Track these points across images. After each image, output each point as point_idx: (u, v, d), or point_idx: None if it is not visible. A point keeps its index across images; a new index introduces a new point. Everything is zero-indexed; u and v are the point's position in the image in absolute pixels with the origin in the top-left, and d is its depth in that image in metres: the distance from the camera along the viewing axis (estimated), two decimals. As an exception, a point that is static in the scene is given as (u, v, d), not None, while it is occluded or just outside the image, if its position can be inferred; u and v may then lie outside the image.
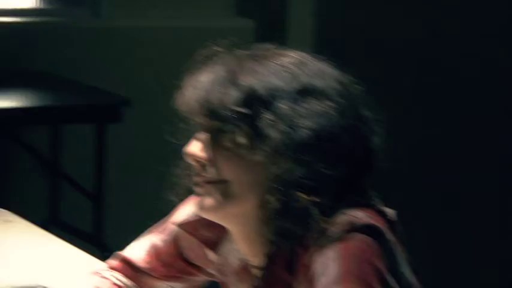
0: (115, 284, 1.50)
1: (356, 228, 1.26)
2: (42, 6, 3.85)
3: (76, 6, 3.90)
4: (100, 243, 3.26)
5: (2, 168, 3.73)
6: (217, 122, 1.31)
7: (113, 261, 1.53)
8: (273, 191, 1.29)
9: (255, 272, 1.37)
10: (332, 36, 3.99)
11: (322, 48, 3.83)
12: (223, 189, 1.32)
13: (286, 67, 1.32)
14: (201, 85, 1.32)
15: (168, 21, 3.87)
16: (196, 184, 1.32)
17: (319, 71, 1.34)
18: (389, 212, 1.33)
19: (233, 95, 1.30)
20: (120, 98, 3.32)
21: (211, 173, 1.32)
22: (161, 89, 2.79)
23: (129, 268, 1.53)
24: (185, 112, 1.34)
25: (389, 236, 1.29)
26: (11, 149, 3.67)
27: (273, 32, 4.01)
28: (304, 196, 1.28)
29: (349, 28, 3.99)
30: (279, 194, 1.29)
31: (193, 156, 1.32)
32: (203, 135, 1.32)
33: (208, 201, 1.32)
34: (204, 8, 4.04)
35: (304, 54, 1.36)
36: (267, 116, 1.30)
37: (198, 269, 1.50)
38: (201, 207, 1.33)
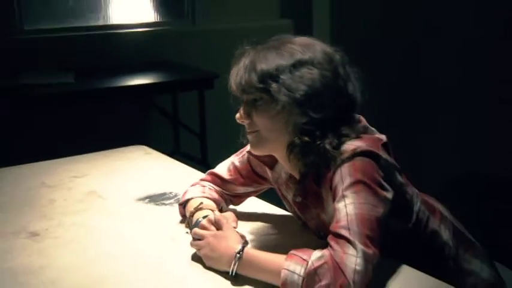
0: (210, 188, 1.69)
1: (358, 153, 1.31)
2: (159, 19, 4.40)
3: (179, 18, 4.44)
4: (206, 165, 3.82)
5: (145, 122, 4.27)
6: (247, 95, 1.40)
7: (206, 176, 1.73)
8: (291, 135, 1.37)
9: (295, 184, 1.50)
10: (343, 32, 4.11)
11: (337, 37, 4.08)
12: (258, 136, 1.42)
13: (288, 49, 1.36)
14: (236, 73, 1.39)
15: (236, 23, 4.42)
16: (246, 134, 1.47)
17: (310, 47, 1.36)
18: (382, 137, 1.40)
19: (253, 77, 1.36)
20: (212, 73, 3.79)
21: (251, 127, 1.43)
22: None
23: (218, 179, 1.68)
24: (232, 91, 1.42)
25: (383, 155, 1.33)
26: (150, 109, 4.29)
27: (304, 27, 4.42)
28: (306, 138, 1.33)
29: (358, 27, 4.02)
30: (295, 137, 1.36)
31: (239, 119, 1.44)
32: (243, 105, 1.44)
33: (252, 143, 1.44)
34: (258, 13, 4.51)
35: (305, 37, 1.40)
36: (275, 86, 1.34)
37: (264, 179, 1.64)
38: (250, 146, 1.47)
